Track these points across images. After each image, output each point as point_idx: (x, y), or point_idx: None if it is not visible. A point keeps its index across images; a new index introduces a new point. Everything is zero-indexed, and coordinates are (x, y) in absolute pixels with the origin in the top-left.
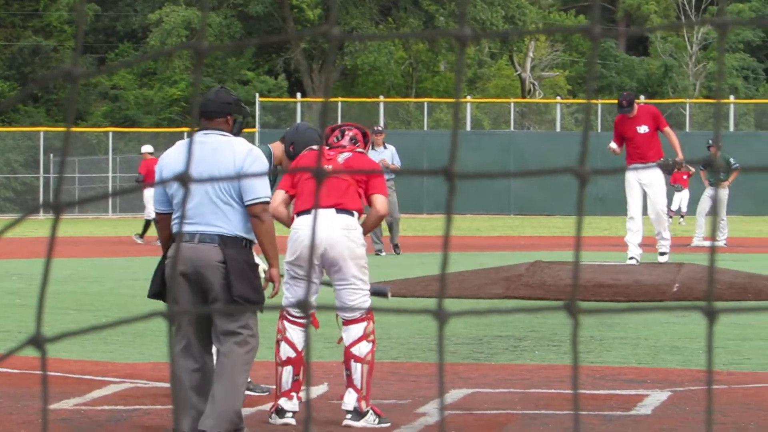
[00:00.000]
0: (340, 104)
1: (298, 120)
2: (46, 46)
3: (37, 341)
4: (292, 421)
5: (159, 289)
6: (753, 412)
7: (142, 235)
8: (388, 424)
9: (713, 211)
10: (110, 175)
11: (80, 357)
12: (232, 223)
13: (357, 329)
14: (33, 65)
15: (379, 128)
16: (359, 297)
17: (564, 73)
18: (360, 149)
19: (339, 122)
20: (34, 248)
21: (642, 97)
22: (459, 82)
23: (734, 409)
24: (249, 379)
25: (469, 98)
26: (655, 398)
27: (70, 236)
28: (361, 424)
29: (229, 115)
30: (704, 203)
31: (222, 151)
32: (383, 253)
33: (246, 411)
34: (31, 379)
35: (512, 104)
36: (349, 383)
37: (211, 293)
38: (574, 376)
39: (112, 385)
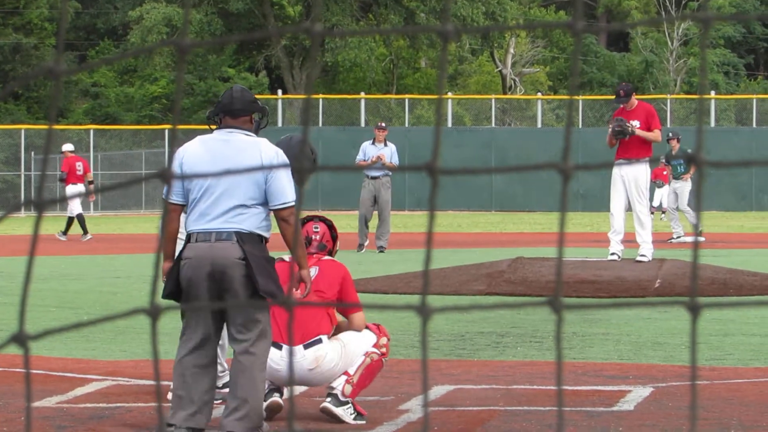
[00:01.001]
0: (321, 101)
1: (279, 117)
2: (27, 44)
3: (20, 339)
4: (278, 399)
5: (174, 288)
6: (735, 408)
7: (65, 232)
8: (363, 422)
9: (681, 205)
10: (91, 172)
11: (62, 354)
12: (249, 222)
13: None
14: (13, 63)
15: (383, 125)
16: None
17: (545, 69)
18: (327, 255)
19: (310, 216)
20: (16, 246)
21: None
22: (442, 78)
23: (716, 404)
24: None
25: (450, 95)
26: (638, 394)
27: (51, 234)
28: (338, 411)
29: (252, 114)
30: (671, 198)
31: (248, 151)
32: (364, 250)
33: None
34: (13, 377)
35: (493, 100)
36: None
37: (230, 291)
38: (557, 371)
39: (94, 382)
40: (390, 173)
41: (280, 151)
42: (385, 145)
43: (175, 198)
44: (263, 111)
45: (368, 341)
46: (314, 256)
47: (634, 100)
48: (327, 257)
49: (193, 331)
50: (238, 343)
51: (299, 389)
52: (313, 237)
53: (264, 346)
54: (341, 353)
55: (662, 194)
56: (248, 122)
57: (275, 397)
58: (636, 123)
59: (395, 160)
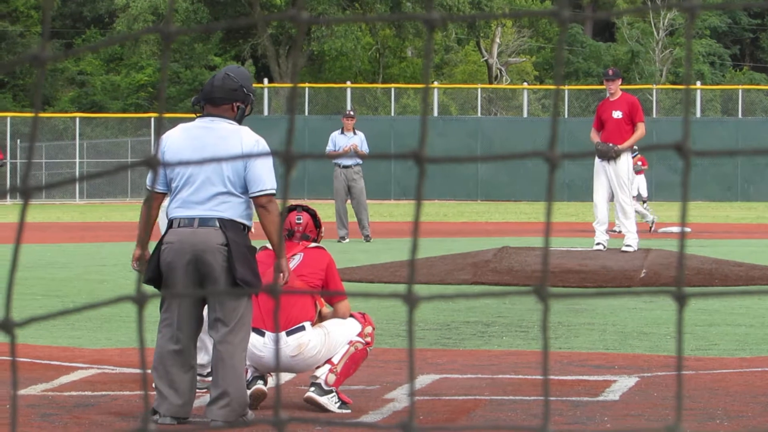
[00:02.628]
0: (307, 90)
1: (266, 106)
2: (13, 32)
3: (7, 326)
4: (262, 386)
5: (153, 274)
6: (720, 398)
7: None
8: (348, 411)
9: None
10: (77, 160)
11: (48, 343)
12: (232, 209)
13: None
14: None
15: (351, 113)
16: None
17: (531, 59)
18: (313, 243)
19: (293, 205)
20: (3, 233)
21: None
22: (428, 67)
23: (701, 394)
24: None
25: (436, 84)
26: (623, 384)
27: (37, 222)
28: (322, 400)
29: (234, 102)
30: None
31: (229, 139)
32: (346, 240)
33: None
34: None
35: (479, 90)
36: (328, 359)
37: (211, 277)
38: (543, 360)
39: (79, 370)
40: (361, 162)
41: (261, 140)
42: (354, 133)
43: (159, 187)
44: (247, 99)
45: (353, 330)
46: (299, 244)
47: (619, 90)
48: (313, 245)
49: (172, 318)
50: (217, 332)
51: (285, 377)
52: (296, 228)
53: (242, 335)
54: (324, 341)
55: (638, 183)
56: (230, 110)
57: (259, 385)
58: (618, 114)
59: (365, 148)
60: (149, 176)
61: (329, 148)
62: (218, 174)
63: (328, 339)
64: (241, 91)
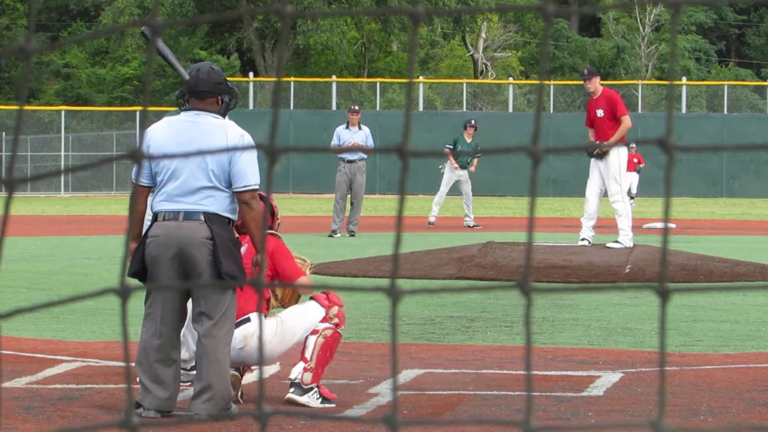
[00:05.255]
0: (292, 84)
1: (251, 100)
2: None
3: None
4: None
5: (138, 268)
6: (704, 394)
7: None
8: (332, 406)
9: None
10: (62, 153)
11: (32, 335)
12: (217, 203)
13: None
14: None
15: (355, 108)
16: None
17: (516, 54)
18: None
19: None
20: None
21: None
22: (412, 61)
23: (686, 390)
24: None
25: (421, 78)
26: (607, 379)
27: (22, 215)
28: (303, 399)
29: (219, 96)
30: (466, 186)
31: (213, 134)
32: (338, 235)
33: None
34: None
35: (465, 85)
36: (301, 355)
37: (195, 271)
38: (526, 355)
39: (64, 363)
40: (365, 157)
41: (246, 134)
42: (359, 128)
43: (143, 180)
44: (231, 92)
45: (313, 316)
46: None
47: (599, 86)
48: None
49: (155, 312)
50: (201, 325)
51: (270, 370)
52: None
53: (226, 328)
54: (276, 330)
55: (631, 180)
56: (215, 104)
57: (232, 371)
58: (600, 112)
59: (370, 143)
60: (134, 170)
61: (334, 142)
62: (203, 168)
63: (282, 327)
64: (226, 84)
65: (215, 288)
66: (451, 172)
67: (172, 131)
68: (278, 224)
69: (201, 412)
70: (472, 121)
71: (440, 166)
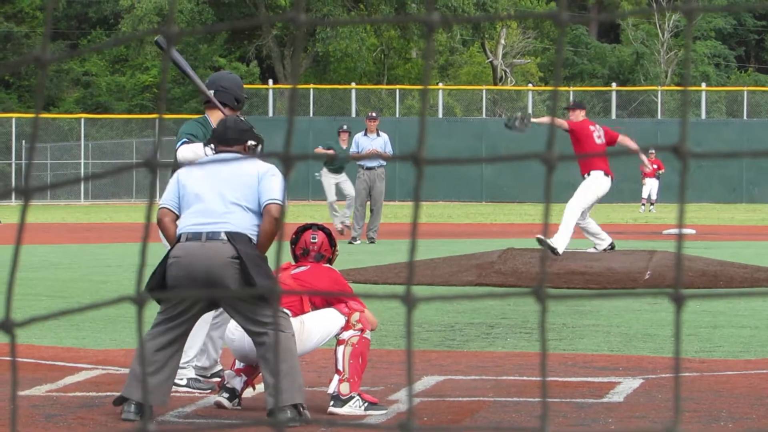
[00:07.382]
0: (312, 91)
1: (270, 107)
2: (18, 33)
3: (7, 326)
4: (227, 403)
5: (157, 284)
6: (725, 400)
7: None
8: (382, 412)
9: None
10: (82, 161)
11: (53, 343)
12: (238, 221)
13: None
14: (4, 52)
15: (373, 114)
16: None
17: (536, 60)
18: (327, 264)
19: (309, 224)
20: (5, 234)
21: (614, 84)
22: (428, 68)
23: (706, 396)
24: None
25: (440, 85)
26: (628, 386)
27: (41, 222)
28: (344, 410)
29: (245, 143)
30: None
31: (243, 163)
32: (358, 242)
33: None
34: (2, 366)
35: (484, 91)
36: (334, 368)
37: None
38: (542, 360)
39: (84, 371)
40: (385, 164)
41: (274, 167)
42: (378, 135)
43: (168, 204)
44: (257, 139)
45: (333, 323)
46: (310, 266)
47: (577, 113)
48: (326, 266)
49: (166, 323)
50: (259, 336)
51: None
52: (311, 248)
53: (285, 323)
54: (298, 329)
55: (651, 187)
56: (242, 150)
57: (221, 398)
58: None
59: (389, 150)
60: (165, 194)
61: (353, 150)
62: (229, 189)
63: (302, 328)
64: (251, 131)
65: (245, 300)
66: (326, 177)
67: (201, 168)
68: (336, 256)
69: (270, 406)
70: (344, 126)
71: (315, 174)
